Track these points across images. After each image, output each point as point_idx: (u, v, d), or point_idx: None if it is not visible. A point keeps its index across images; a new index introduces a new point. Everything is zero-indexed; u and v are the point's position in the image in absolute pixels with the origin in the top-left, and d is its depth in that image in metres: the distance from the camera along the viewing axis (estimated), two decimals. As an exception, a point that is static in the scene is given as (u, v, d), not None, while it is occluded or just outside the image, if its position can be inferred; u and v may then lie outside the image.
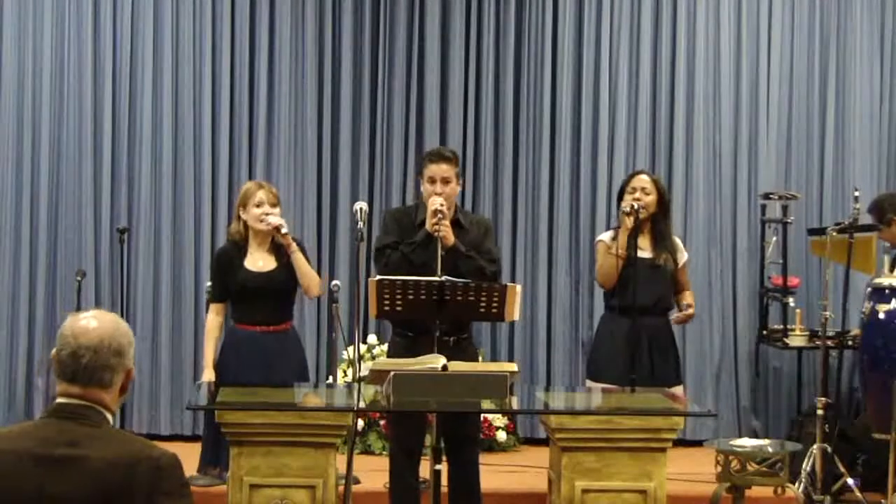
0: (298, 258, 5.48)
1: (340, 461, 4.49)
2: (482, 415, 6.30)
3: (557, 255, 7.55)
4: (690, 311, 5.70)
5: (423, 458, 5.17)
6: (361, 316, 5.34)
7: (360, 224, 4.45)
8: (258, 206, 5.49)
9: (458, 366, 4.45)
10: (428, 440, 4.86)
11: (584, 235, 7.45)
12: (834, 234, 6.27)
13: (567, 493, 4.48)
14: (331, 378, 6.89)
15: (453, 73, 7.56)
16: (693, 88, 7.58)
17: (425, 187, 5.11)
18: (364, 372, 4.37)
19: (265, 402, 4.77)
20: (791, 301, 7.12)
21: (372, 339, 7.26)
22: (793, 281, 7.17)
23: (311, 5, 7.54)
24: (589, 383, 5.66)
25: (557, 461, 4.57)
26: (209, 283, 5.90)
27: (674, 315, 5.73)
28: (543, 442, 6.26)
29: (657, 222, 5.65)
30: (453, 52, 7.56)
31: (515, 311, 4.65)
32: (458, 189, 5.20)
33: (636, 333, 5.43)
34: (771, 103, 7.59)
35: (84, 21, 7.43)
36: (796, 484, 5.81)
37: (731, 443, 5.49)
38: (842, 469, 5.97)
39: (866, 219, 6.52)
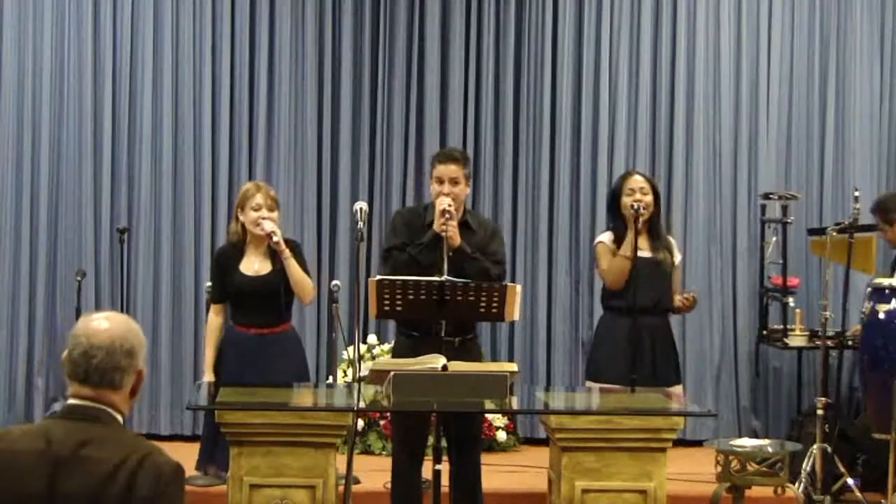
0: (292, 266, 5.45)
1: (340, 461, 4.49)
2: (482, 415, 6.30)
3: (557, 255, 7.55)
4: (689, 298, 5.64)
5: (425, 458, 5.17)
6: (361, 316, 5.34)
7: (360, 224, 4.45)
8: (255, 209, 5.48)
9: (458, 366, 4.45)
10: (430, 440, 4.86)
11: (584, 235, 7.45)
12: (834, 234, 6.27)
13: (567, 493, 4.48)
14: (331, 378, 6.89)
15: (453, 73, 7.56)
16: (693, 88, 7.58)
17: (433, 187, 5.10)
18: (364, 372, 4.37)
19: (265, 402, 4.77)
20: (791, 301, 7.12)
21: (372, 339, 7.26)
22: (793, 281, 7.17)
23: (311, 5, 7.54)
24: (589, 383, 5.64)
25: (557, 461, 4.57)
26: (209, 284, 5.90)
27: (678, 299, 5.64)
28: (543, 442, 6.26)
29: (653, 221, 5.66)
30: (453, 52, 7.57)
31: (515, 311, 4.65)
32: (468, 190, 5.20)
33: (637, 333, 5.42)
34: (771, 103, 7.60)
35: (84, 21, 7.43)
36: (796, 484, 5.81)
37: (731, 443, 5.49)
38: (842, 469, 5.97)
39: (866, 219, 6.52)
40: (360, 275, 4.48)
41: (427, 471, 4.91)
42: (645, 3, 7.57)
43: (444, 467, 4.51)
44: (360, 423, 6.76)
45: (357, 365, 4.25)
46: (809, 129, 7.64)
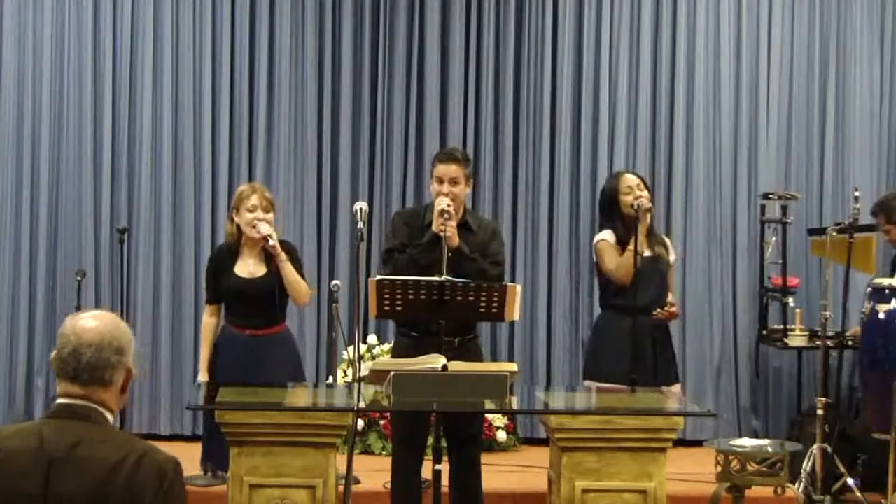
0: (286, 268, 5.44)
1: (340, 461, 4.49)
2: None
3: (557, 255, 7.55)
4: (673, 308, 5.66)
5: (425, 458, 5.17)
6: (361, 316, 5.34)
7: (360, 224, 4.45)
8: (251, 210, 5.47)
9: (457, 366, 4.45)
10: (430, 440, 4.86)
11: (584, 235, 7.45)
12: (834, 234, 6.27)
13: (567, 493, 4.48)
14: (331, 378, 6.88)
15: (453, 73, 7.56)
16: (693, 88, 7.58)
17: (433, 187, 5.10)
18: (364, 372, 4.37)
19: (265, 402, 4.78)
20: (791, 301, 7.12)
21: (372, 339, 7.27)
22: (793, 281, 7.17)
23: (311, 5, 7.54)
24: (588, 382, 5.63)
25: (557, 461, 4.57)
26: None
27: (656, 311, 5.66)
28: (543, 442, 6.26)
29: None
30: (453, 52, 7.56)
31: (515, 311, 4.65)
32: (468, 190, 5.20)
33: (638, 332, 5.41)
34: (771, 103, 7.60)
35: (84, 21, 7.43)
36: (796, 484, 5.81)
37: (731, 443, 5.49)
38: (842, 469, 5.97)
39: (866, 219, 6.51)
40: (360, 275, 4.48)
41: (427, 471, 4.92)
42: (645, 3, 7.57)
43: (444, 467, 4.51)
44: (360, 423, 6.76)
45: (357, 365, 4.25)
46: (809, 129, 7.64)
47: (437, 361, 4.40)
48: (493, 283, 4.80)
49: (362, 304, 4.84)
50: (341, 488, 4.47)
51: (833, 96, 7.63)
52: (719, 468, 5.34)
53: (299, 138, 7.54)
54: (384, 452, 6.83)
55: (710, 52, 7.59)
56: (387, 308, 4.59)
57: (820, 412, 6.01)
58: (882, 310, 5.94)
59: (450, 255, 4.82)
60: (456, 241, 4.94)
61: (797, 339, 6.97)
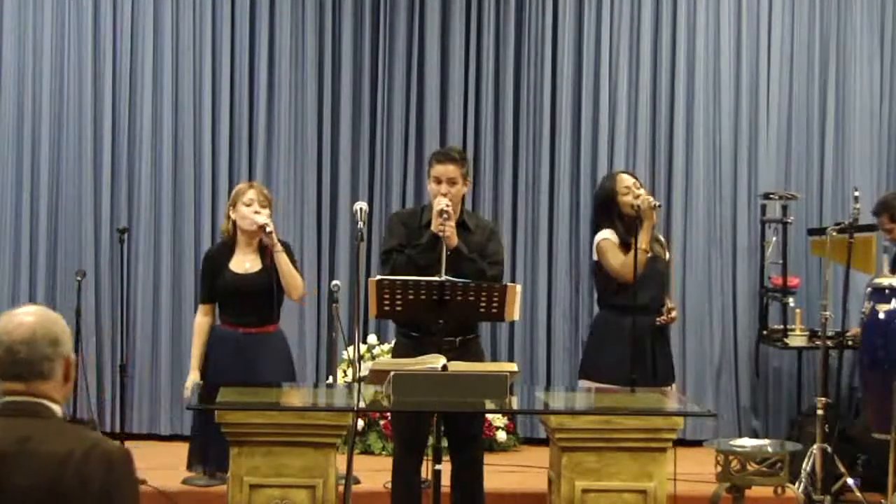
0: (282, 259, 5.43)
1: (340, 461, 4.49)
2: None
3: (557, 255, 7.55)
4: (673, 314, 5.67)
5: (425, 458, 5.16)
6: (361, 316, 5.33)
7: (360, 224, 4.45)
8: (247, 205, 5.47)
9: (457, 366, 4.45)
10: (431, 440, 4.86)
11: (584, 235, 7.43)
12: (834, 234, 6.27)
13: (567, 493, 4.48)
14: (331, 378, 6.88)
15: (453, 73, 7.56)
16: (693, 88, 7.58)
17: (431, 187, 5.10)
18: (364, 372, 4.37)
19: (265, 402, 4.78)
20: (791, 301, 7.12)
21: (372, 339, 7.27)
22: (793, 281, 7.18)
23: (311, 5, 7.54)
24: (585, 383, 5.61)
25: (557, 461, 4.57)
26: None
27: (660, 320, 5.65)
28: (543, 442, 6.26)
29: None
30: (453, 52, 7.57)
31: (515, 311, 4.65)
32: (465, 190, 5.19)
33: (638, 332, 5.40)
34: (771, 103, 7.60)
35: (84, 21, 7.43)
36: (796, 484, 5.81)
37: (731, 443, 5.49)
38: (842, 469, 5.97)
39: (866, 219, 6.51)
40: (360, 275, 4.48)
41: (427, 471, 4.92)
42: (645, 3, 7.57)
43: (444, 467, 4.51)
44: (360, 423, 6.76)
45: (357, 365, 4.25)
46: (809, 129, 7.65)
47: (437, 361, 4.40)
48: (492, 283, 4.80)
49: (362, 304, 4.83)
50: (341, 488, 4.47)
51: (833, 96, 7.63)
52: (719, 468, 5.34)
53: (299, 138, 7.54)
54: (384, 452, 6.83)
55: (710, 52, 7.59)
56: (387, 308, 4.58)
57: (820, 412, 6.01)
58: (882, 310, 5.94)
59: (448, 254, 4.82)
60: (455, 241, 4.94)
61: (797, 339, 6.97)
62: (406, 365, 4.46)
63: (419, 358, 4.51)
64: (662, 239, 5.87)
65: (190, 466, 5.81)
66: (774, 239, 7.22)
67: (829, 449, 5.96)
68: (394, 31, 7.57)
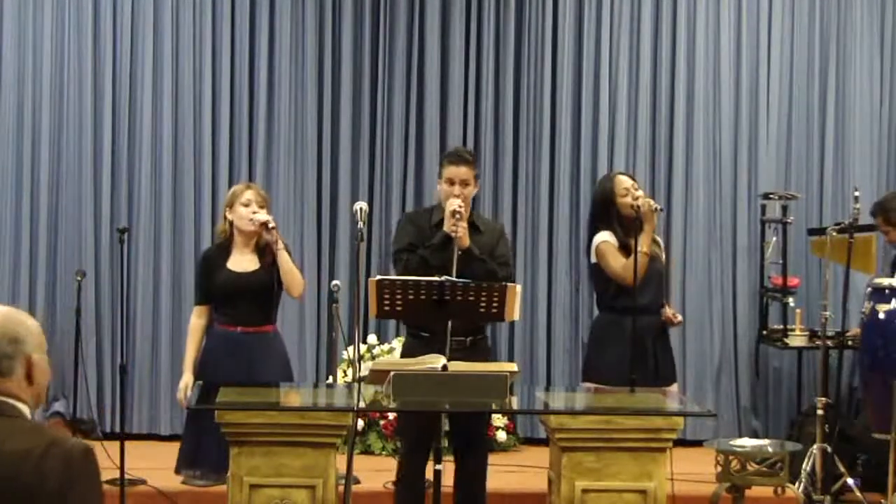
0: (284, 256, 5.41)
1: (340, 461, 4.49)
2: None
3: (557, 255, 7.55)
4: (679, 318, 5.68)
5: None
6: (361, 316, 5.33)
7: (360, 224, 4.44)
8: (245, 205, 5.46)
9: (457, 366, 4.45)
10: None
11: (584, 236, 7.42)
12: (834, 234, 6.27)
13: (567, 493, 4.48)
14: (331, 378, 6.89)
15: (453, 73, 7.56)
16: (693, 88, 7.58)
17: (443, 188, 5.10)
18: (364, 372, 4.37)
19: (265, 402, 4.78)
20: (791, 301, 7.12)
21: (372, 339, 7.27)
22: (793, 281, 7.17)
23: (311, 5, 7.54)
24: (587, 385, 5.60)
25: (557, 461, 4.57)
26: None
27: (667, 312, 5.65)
28: (543, 442, 6.26)
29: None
30: (453, 52, 7.57)
31: (515, 311, 4.64)
32: (476, 191, 5.20)
33: (638, 332, 5.40)
34: (771, 103, 7.60)
35: (84, 21, 7.43)
36: (796, 484, 5.81)
37: (731, 443, 5.49)
38: (842, 469, 5.97)
39: (866, 219, 6.51)
40: (360, 275, 4.48)
41: (427, 471, 4.91)
42: (645, 3, 7.57)
43: (444, 467, 4.50)
44: (360, 423, 6.76)
45: (357, 365, 4.24)
46: (809, 129, 7.65)
47: (436, 361, 4.40)
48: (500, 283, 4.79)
49: (362, 304, 4.83)
50: (341, 488, 4.47)
51: (833, 96, 7.63)
52: (719, 468, 5.34)
53: (299, 138, 7.54)
54: (384, 452, 6.84)
55: (710, 52, 7.59)
56: (387, 308, 4.58)
57: (820, 412, 6.01)
58: (882, 310, 5.94)
59: (459, 255, 4.82)
60: (467, 241, 4.94)
61: (797, 339, 6.97)
62: (406, 365, 4.46)
63: (419, 358, 4.51)
64: (659, 240, 5.87)
65: (178, 470, 5.79)
66: (774, 239, 7.22)
67: (829, 449, 5.96)
68: (394, 31, 7.57)
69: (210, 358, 5.46)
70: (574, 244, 7.52)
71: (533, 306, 7.47)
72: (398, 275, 4.96)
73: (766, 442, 5.54)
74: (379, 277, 4.61)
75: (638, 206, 5.37)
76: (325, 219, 7.57)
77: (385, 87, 7.55)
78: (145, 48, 7.46)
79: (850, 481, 5.95)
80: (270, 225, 5.37)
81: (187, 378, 5.43)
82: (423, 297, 4.52)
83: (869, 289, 6.10)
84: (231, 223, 5.49)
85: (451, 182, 5.06)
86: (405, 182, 7.57)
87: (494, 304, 4.56)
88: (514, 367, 4.70)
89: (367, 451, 6.93)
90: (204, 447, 5.49)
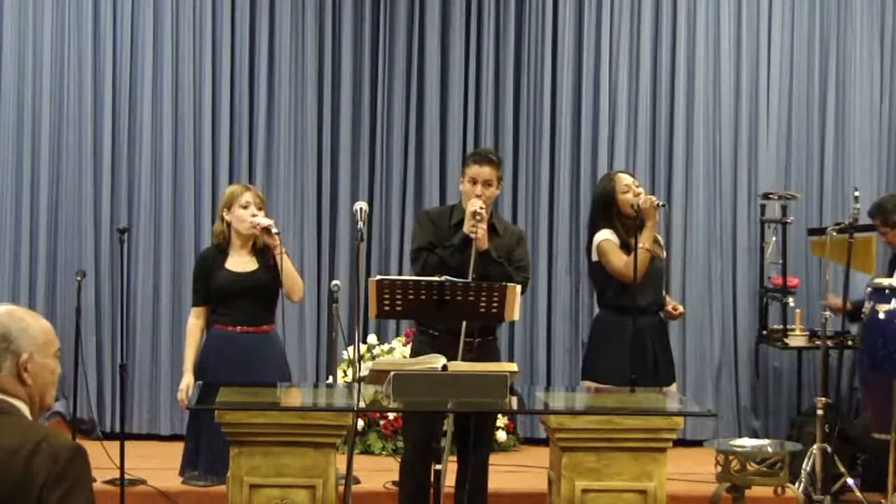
0: (287, 261, 5.40)
1: (340, 461, 4.49)
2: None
3: (557, 255, 7.55)
4: (680, 309, 5.67)
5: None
6: (361, 316, 5.33)
7: (360, 224, 4.44)
8: (244, 207, 5.45)
9: (457, 366, 4.45)
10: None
11: (584, 235, 7.41)
12: (834, 234, 6.27)
13: (567, 493, 4.48)
14: (331, 378, 6.89)
15: (453, 73, 7.56)
16: (693, 88, 7.59)
17: (465, 187, 5.08)
18: (364, 372, 4.37)
19: (265, 402, 4.78)
20: (791, 301, 7.12)
21: (372, 339, 7.27)
22: (793, 281, 7.18)
23: (311, 5, 7.54)
24: (587, 383, 5.61)
25: (557, 461, 4.57)
26: None
27: (672, 304, 5.66)
28: (543, 442, 6.26)
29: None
30: (453, 52, 7.57)
31: (515, 311, 4.64)
32: (498, 193, 5.19)
33: (639, 332, 5.40)
34: (771, 103, 7.60)
35: (84, 21, 7.43)
36: (796, 484, 5.81)
37: (731, 443, 5.49)
38: (842, 469, 5.97)
39: (866, 219, 6.52)
40: (360, 275, 4.48)
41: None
42: (645, 3, 7.58)
43: (443, 467, 4.50)
44: (360, 423, 6.76)
45: (357, 365, 4.24)
46: (809, 129, 7.65)
47: (436, 361, 4.40)
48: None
49: (362, 304, 4.83)
50: (341, 488, 4.47)
51: (833, 96, 7.63)
52: (719, 468, 5.34)
53: (299, 138, 7.54)
54: (384, 452, 6.84)
55: (710, 52, 7.59)
56: (387, 308, 4.57)
57: (820, 412, 6.01)
58: (882, 310, 5.94)
59: (476, 257, 4.81)
60: (486, 243, 4.93)
61: (797, 339, 6.97)
62: (406, 365, 4.46)
63: (419, 358, 4.51)
64: (660, 238, 5.87)
65: (182, 471, 5.79)
66: (774, 239, 7.22)
67: (829, 449, 5.96)
68: (394, 31, 7.57)
69: (209, 358, 5.46)
70: (574, 244, 7.52)
71: (533, 306, 7.47)
72: (416, 273, 4.96)
73: (766, 442, 5.54)
74: (379, 277, 4.61)
75: (638, 205, 5.37)
76: (325, 219, 7.57)
77: (385, 87, 7.55)
78: (145, 48, 7.46)
79: (850, 481, 5.95)
80: (274, 230, 5.36)
81: (188, 379, 5.43)
82: (423, 297, 4.51)
83: (869, 289, 6.10)
84: (229, 224, 5.48)
85: (474, 181, 5.04)
86: (405, 182, 7.57)
87: (494, 304, 4.56)
88: (514, 367, 4.70)
89: (367, 451, 6.93)
90: (204, 447, 5.49)
